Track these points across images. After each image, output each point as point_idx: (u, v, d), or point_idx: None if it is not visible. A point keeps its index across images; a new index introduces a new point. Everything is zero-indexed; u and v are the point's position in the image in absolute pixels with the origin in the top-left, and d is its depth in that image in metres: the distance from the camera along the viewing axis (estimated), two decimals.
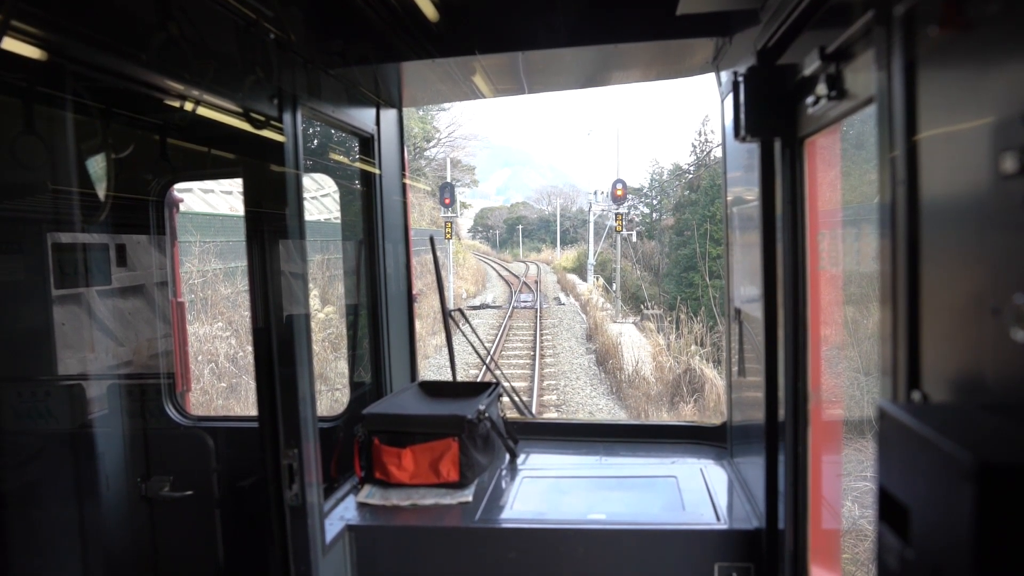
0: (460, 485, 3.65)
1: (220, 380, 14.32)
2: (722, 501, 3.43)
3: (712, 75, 3.85)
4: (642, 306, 33.07)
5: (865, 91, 1.88)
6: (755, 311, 3.07)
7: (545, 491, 3.73)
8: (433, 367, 19.75)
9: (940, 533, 0.94)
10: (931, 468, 0.97)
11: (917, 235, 1.37)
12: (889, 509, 1.08)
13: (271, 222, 2.94)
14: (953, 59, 1.25)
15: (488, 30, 3.67)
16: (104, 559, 3.75)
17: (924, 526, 1.00)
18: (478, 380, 5.15)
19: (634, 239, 45.48)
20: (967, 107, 1.21)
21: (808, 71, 2.21)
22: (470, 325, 5.10)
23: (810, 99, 2.21)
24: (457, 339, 5.06)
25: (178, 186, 4.59)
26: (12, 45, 1.81)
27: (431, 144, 52.88)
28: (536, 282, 45.68)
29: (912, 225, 1.38)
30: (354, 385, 4.53)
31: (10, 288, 3.66)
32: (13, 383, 3.51)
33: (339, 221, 4.68)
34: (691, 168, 48.70)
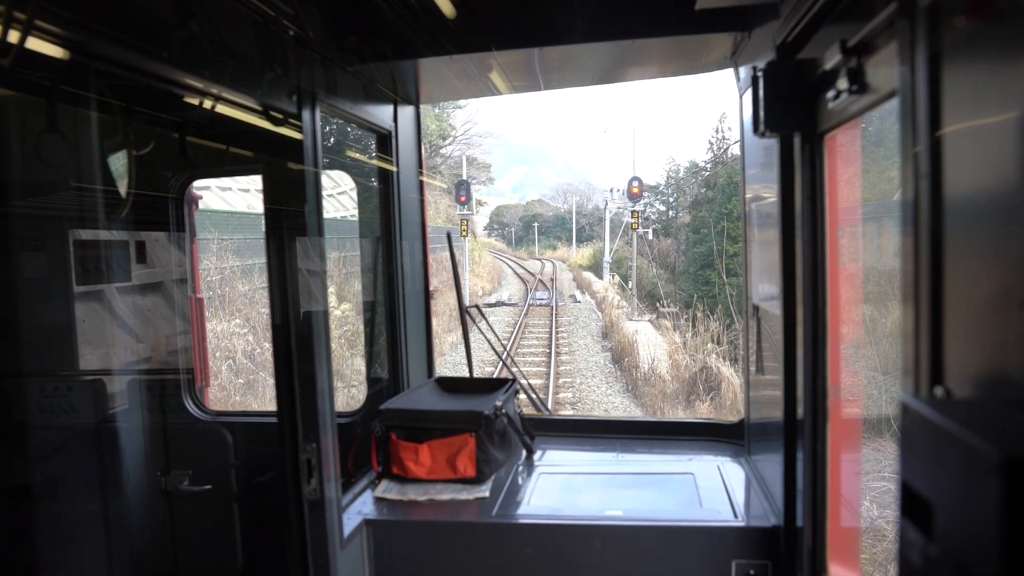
0: (477, 480, 3.66)
1: (238, 376, 14.43)
2: (740, 498, 3.42)
3: (730, 70, 3.83)
4: (658, 304, 32.98)
5: (887, 85, 1.86)
6: (773, 308, 3.05)
7: (562, 487, 3.73)
8: (449, 364, 19.80)
9: (965, 528, 0.93)
10: (955, 463, 0.96)
11: (940, 230, 1.35)
12: (912, 505, 1.07)
13: (290, 219, 2.96)
14: (979, 50, 1.23)
15: (505, 26, 3.66)
16: (125, 552, 3.79)
17: (948, 521, 0.99)
18: (494, 377, 5.17)
19: (650, 237, 45.38)
20: (993, 100, 1.19)
21: (829, 65, 2.19)
22: (487, 322, 5.10)
23: (830, 93, 2.19)
24: (473, 336, 5.06)
25: (197, 183, 4.63)
26: (35, 44, 1.83)
27: (447, 142, 52.93)
28: (552, 280, 45.67)
29: (935, 220, 1.36)
30: (371, 381, 4.55)
31: (33, 285, 3.71)
32: (36, 378, 3.55)
33: (355, 218, 4.69)
34: (708, 165, 48.48)
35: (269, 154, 3.17)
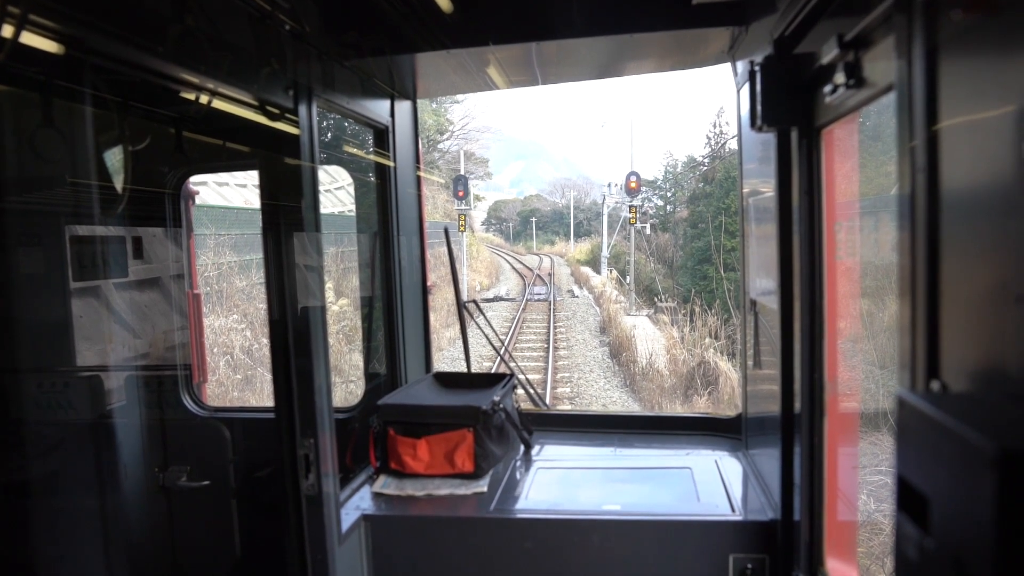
0: (475, 475, 3.66)
1: (235, 372, 14.42)
2: (737, 492, 3.42)
3: (728, 65, 3.82)
4: (656, 299, 32.98)
5: (884, 79, 1.86)
6: (771, 303, 3.05)
7: (559, 482, 3.73)
8: (447, 359, 19.80)
9: (961, 522, 0.94)
10: (951, 457, 0.96)
11: (937, 223, 1.35)
12: (908, 499, 1.07)
13: (287, 214, 2.95)
14: (976, 45, 1.23)
15: (502, 21, 3.65)
16: (123, 548, 3.80)
17: (944, 515, 0.99)
18: (492, 372, 5.17)
19: (648, 232, 45.42)
20: (990, 93, 1.19)
21: (826, 59, 2.19)
22: (484, 317, 5.10)
23: (828, 88, 2.19)
24: (471, 331, 5.06)
25: (193, 179, 4.62)
26: (29, 39, 1.82)
27: (444, 137, 52.86)
28: (550, 275, 45.65)
29: (932, 214, 1.36)
30: (369, 376, 4.55)
31: (30, 280, 3.70)
32: (33, 374, 3.55)
33: (353, 214, 4.69)
34: (705, 160, 48.48)
35: (266, 149, 3.16)
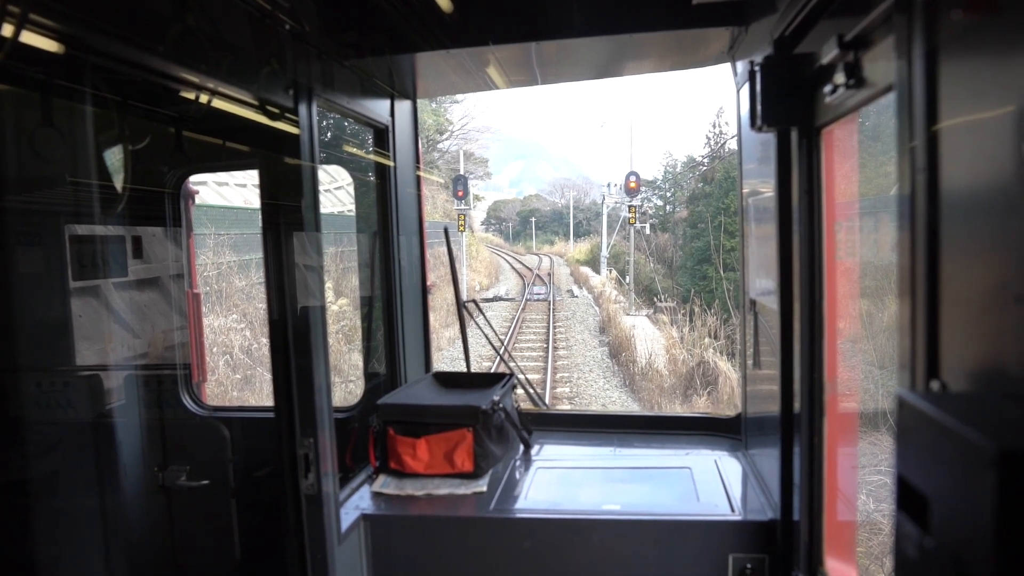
0: (474, 475, 3.66)
1: (235, 372, 14.42)
2: (736, 492, 3.42)
3: (727, 65, 3.83)
4: (655, 299, 32.99)
5: (884, 79, 1.86)
6: (771, 303, 3.05)
7: (559, 482, 3.73)
8: (447, 359, 19.80)
9: (960, 521, 0.94)
10: (951, 456, 0.96)
11: (937, 223, 1.35)
12: (908, 498, 1.08)
13: (287, 214, 2.95)
14: (976, 45, 1.23)
15: (502, 20, 3.65)
16: (123, 547, 3.79)
17: (944, 515, 0.99)
18: (492, 371, 5.19)
19: (647, 232, 45.40)
20: (990, 94, 1.19)
21: (826, 59, 2.19)
22: (484, 316, 5.10)
23: (827, 88, 2.19)
24: (471, 331, 5.06)
25: (193, 178, 4.62)
26: (29, 38, 1.82)
27: (444, 136, 52.85)
28: (549, 275, 45.66)
29: (932, 214, 1.36)
30: (369, 376, 4.55)
31: (29, 280, 3.70)
32: (33, 373, 3.55)
33: (352, 213, 4.69)
34: (705, 160, 48.51)
35: (266, 149, 3.17)
